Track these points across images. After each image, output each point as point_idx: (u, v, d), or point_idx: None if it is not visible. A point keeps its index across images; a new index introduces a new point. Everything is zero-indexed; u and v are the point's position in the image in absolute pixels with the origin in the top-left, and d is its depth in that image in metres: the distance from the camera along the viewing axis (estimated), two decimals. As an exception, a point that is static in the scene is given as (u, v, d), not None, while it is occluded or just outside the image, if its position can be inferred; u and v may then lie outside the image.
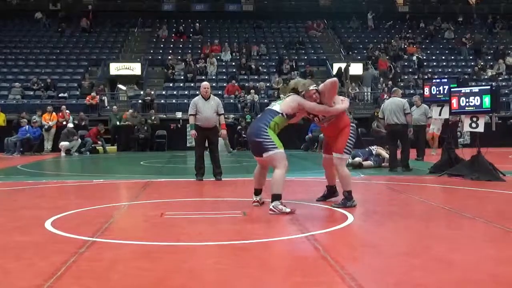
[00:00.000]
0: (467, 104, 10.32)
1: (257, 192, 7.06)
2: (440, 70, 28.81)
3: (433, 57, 30.76)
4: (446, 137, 12.26)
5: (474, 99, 10.22)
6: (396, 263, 4.27)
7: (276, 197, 6.41)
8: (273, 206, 6.36)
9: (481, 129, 10.28)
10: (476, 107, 10.19)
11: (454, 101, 10.58)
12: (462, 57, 30.60)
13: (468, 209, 6.73)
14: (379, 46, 30.47)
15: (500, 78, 28.03)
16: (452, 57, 30.76)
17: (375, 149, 13.16)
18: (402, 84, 26.04)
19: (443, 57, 30.78)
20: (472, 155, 10.52)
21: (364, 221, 6.17)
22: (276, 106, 6.89)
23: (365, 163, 12.73)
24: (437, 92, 11.58)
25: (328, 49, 31.35)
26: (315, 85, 6.87)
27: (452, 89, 10.84)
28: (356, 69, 27.43)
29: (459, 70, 28.79)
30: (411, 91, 25.46)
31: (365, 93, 26.84)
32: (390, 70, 28.04)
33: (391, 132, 11.87)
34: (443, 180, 10.09)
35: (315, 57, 30.05)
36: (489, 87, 10.63)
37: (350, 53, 30.19)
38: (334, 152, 6.82)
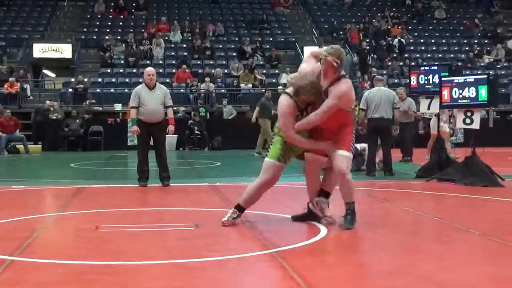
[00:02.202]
0: (461, 96, 10.48)
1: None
2: (429, 55, 29.25)
3: (421, 41, 31.19)
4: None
5: (468, 90, 10.38)
6: (377, 284, 4.31)
7: (237, 206, 6.44)
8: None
9: (476, 125, 10.45)
10: (471, 99, 10.35)
11: (445, 93, 10.73)
12: (455, 41, 31.11)
13: (462, 219, 6.84)
14: (358, 26, 30.75)
15: (499, 66, 28.60)
16: (444, 41, 31.24)
17: (359, 146, 13.07)
18: (385, 72, 26.33)
19: (433, 41, 31.22)
20: (466, 156, 10.70)
21: (340, 234, 6.21)
22: None
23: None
24: (426, 82, 11.73)
25: (298, 29, 31.48)
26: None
27: (443, 79, 11.00)
28: (331, 53, 27.56)
29: (451, 56, 29.27)
30: (396, 80, 25.80)
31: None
32: (366, 52, 28.11)
33: (374, 128, 11.87)
34: (432, 186, 10.24)
35: (282, 39, 30.15)
36: (486, 76, 10.81)
37: (327, 34, 30.35)
38: (339, 149, 6.11)
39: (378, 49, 28.93)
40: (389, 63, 27.75)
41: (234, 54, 28.19)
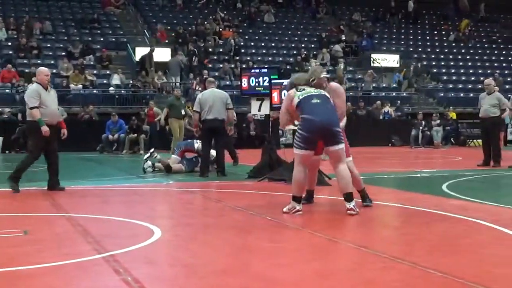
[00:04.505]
0: (290, 98, 10.84)
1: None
2: (259, 58, 30.02)
3: (252, 43, 31.97)
4: (266, 136, 12.82)
5: (296, 93, 10.76)
6: (212, 283, 4.39)
7: (352, 197, 7.15)
8: (353, 206, 7.11)
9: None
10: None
11: (275, 95, 11.09)
12: (283, 45, 32.18)
13: (292, 218, 7.11)
14: (190, 28, 30.96)
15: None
16: (273, 44, 32.21)
17: (199, 142, 13.01)
18: (217, 74, 26.72)
19: (263, 44, 32.12)
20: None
21: (174, 235, 6.26)
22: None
23: (174, 166, 12.85)
24: (256, 84, 12.05)
25: (130, 30, 31.17)
26: (325, 73, 7.94)
27: (273, 81, 11.35)
28: (162, 55, 27.57)
29: (280, 59, 30.25)
30: (227, 83, 26.26)
31: (173, 84, 27.10)
32: (192, 54, 28.28)
33: (208, 129, 12.06)
34: (264, 186, 10.55)
35: (113, 39, 29.70)
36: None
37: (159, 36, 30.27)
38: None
39: (204, 51, 29.23)
40: (220, 66, 28.16)
41: (63, 53, 27.40)
